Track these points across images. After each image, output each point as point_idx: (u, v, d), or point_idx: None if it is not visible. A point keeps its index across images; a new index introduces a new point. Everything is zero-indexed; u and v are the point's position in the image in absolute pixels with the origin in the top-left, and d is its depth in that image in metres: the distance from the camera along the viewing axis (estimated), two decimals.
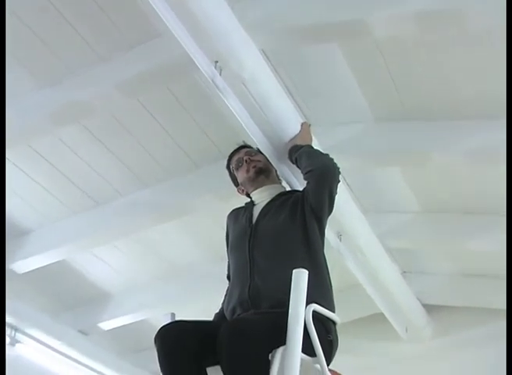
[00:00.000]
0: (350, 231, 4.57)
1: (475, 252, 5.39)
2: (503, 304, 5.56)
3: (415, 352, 6.11)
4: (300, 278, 2.73)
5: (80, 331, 6.37)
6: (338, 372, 3.02)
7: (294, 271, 2.75)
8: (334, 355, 3.05)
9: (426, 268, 5.87)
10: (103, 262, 5.75)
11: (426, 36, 3.70)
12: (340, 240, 4.55)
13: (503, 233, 4.73)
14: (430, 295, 6.06)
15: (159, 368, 2.89)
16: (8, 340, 5.81)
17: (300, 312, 2.68)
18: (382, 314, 5.74)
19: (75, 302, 6.25)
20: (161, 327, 2.92)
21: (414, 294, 5.85)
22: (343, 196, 3.96)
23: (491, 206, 4.78)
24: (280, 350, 2.64)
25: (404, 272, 5.67)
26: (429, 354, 6.09)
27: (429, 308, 6.14)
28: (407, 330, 6.01)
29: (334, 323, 3.05)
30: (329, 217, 3.37)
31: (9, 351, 6.09)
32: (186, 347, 2.81)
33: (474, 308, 5.96)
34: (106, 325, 6.27)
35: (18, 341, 5.90)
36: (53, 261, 5.33)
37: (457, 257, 5.65)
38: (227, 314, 3.19)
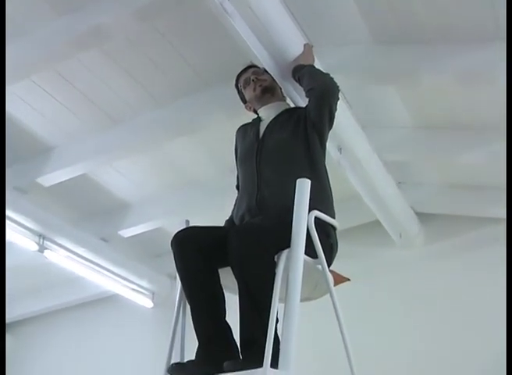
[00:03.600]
0: (350, 145, 4.57)
1: (464, 165, 5.41)
2: (489, 212, 5.65)
3: (408, 257, 6.18)
4: (303, 187, 2.77)
5: (102, 239, 6.46)
6: (337, 272, 3.08)
7: (298, 180, 2.79)
8: (334, 258, 3.11)
9: (419, 179, 5.88)
10: (122, 175, 5.79)
11: None
12: (340, 153, 4.56)
13: (489, 147, 4.75)
14: (423, 204, 6.09)
15: (176, 269, 2.96)
16: (36, 247, 5.90)
17: (303, 218, 2.73)
18: (378, 222, 5.79)
19: (96, 212, 6.33)
20: (177, 232, 2.98)
21: (408, 203, 5.89)
22: (342, 112, 3.96)
23: (479, 122, 4.78)
24: (285, 252, 2.70)
25: (399, 183, 5.69)
26: (421, 259, 6.16)
27: (422, 217, 6.18)
28: (401, 237, 6.05)
29: (334, 228, 3.10)
30: (330, 132, 3.39)
31: (38, 258, 6.20)
32: (199, 249, 2.88)
33: (463, 217, 5.99)
34: (126, 233, 6.35)
35: (46, 248, 5.99)
36: (76, 175, 5.37)
37: (448, 169, 5.66)
38: (236, 220, 3.25)
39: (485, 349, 5.38)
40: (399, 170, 5.54)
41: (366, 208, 5.52)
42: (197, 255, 2.87)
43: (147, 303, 7.38)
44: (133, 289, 7.17)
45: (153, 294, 7.38)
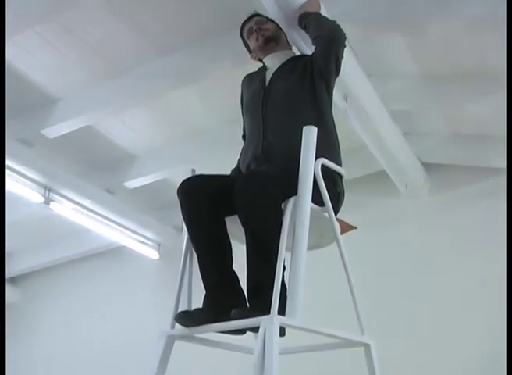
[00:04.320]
0: (356, 94, 4.54)
1: (471, 115, 5.39)
2: (496, 163, 5.62)
3: (414, 207, 6.20)
4: (310, 134, 2.76)
5: (107, 190, 6.46)
6: (344, 220, 3.08)
7: (304, 128, 2.78)
8: (341, 206, 3.10)
9: (425, 129, 5.86)
10: (127, 127, 5.77)
11: None
12: (346, 102, 4.55)
13: (496, 96, 4.70)
14: (429, 155, 6.07)
15: (182, 217, 2.95)
16: (42, 199, 5.92)
17: (309, 165, 2.72)
18: (384, 172, 5.79)
19: (101, 164, 6.32)
20: (183, 180, 2.96)
21: (414, 153, 5.87)
22: (348, 61, 3.91)
23: (486, 71, 4.72)
24: (292, 200, 2.70)
25: (405, 133, 5.66)
26: (427, 209, 6.18)
27: (428, 167, 6.17)
28: (406, 187, 6.06)
29: (341, 176, 3.09)
30: (336, 80, 3.36)
31: (44, 210, 6.23)
32: (206, 197, 2.87)
33: (469, 167, 5.98)
34: (131, 184, 6.34)
35: (51, 200, 6.01)
36: (80, 126, 5.35)
37: (454, 119, 5.63)
38: (242, 169, 3.25)
39: (488, 294, 5.45)
40: (405, 120, 5.51)
41: (372, 158, 5.51)
42: (204, 203, 2.86)
43: (153, 254, 7.42)
44: (139, 241, 7.21)
45: (159, 245, 7.42)
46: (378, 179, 6.06)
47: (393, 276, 5.95)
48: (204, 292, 2.86)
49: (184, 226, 2.94)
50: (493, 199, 5.64)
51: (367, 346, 2.95)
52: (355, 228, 3.18)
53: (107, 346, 7.57)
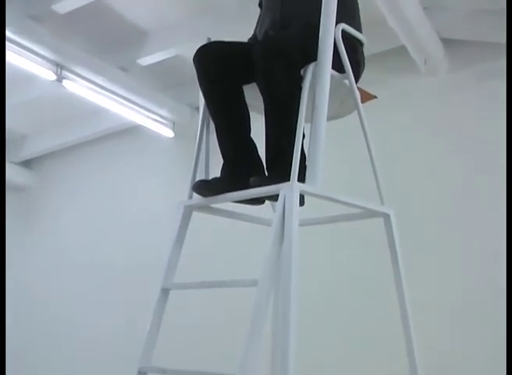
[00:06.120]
0: None
1: None
2: None
3: (432, 85, 6.09)
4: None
5: (120, 68, 6.35)
6: (364, 89, 3.00)
7: None
8: (361, 75, 3.03)
9: (446, 4, 5.68)
10: (139, 1, 5.62)
11: None
12: None
13: None
14: (448, 30, 5.90)
15: (198, 87, 2.89)
16: (54, 77, 5.85)
17: (330, 30, 2.64)
18: (403, 47, 5.65)
19: (113, 41, 6.17)
20: (199, 47, 2.88)
21: (434, 28, 5.71)
22: None
23: None
24: (312, 65, 2.62)
25: (425, 8, 5.49)
26: (445, 85, 6.07)
27: (447, 43, 6.01)
28: (425, 63, 5.93)
29: (361, 43, 3.00)
30: None
31: (57, 90, 6.18)
32: (222, 61, 2.80)
33: (489, 43, 5.81)
34: (144, 61, 6.22)
35: (64, 78, 5.94)
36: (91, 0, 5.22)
37: None
38: (259, 37, 3.13)
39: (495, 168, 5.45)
40: None
41: (391, 33, 5.36)
42: (219, 68, 2.79)
43: (168, 133, 7.37)
44: (154, 119, 7.14)
45: (173, 123, 7.35)
46: (397, 54, 5.93)
47: (409, 151, 5.94)
48: (222, 162, 2.82)
49: (201, 93, 2.88)
50: None
51: (386, 216, 2.93)
52: (375, 97, 3.11)
53: (123, 224, 7.67)
